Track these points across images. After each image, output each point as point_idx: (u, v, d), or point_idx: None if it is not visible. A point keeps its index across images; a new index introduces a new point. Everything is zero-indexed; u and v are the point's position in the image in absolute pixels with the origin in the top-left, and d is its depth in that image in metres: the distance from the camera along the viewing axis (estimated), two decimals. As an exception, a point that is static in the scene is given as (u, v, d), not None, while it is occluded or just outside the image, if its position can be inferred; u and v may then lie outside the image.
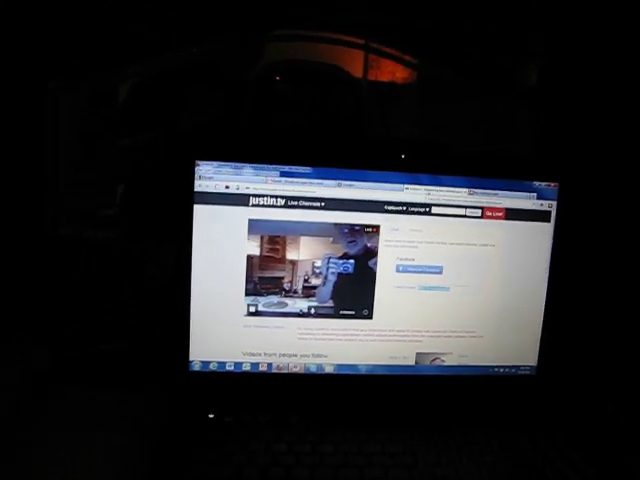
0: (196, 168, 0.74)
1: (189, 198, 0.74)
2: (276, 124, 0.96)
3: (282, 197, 0.76)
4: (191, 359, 0.77)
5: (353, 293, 0.78)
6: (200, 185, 0.74)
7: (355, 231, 0.77)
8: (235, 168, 0.75)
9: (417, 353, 0.81)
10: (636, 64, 0.88)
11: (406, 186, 0.78)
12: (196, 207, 0.75)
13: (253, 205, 0.75)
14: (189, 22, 0.95)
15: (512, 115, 1.04)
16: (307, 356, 0.79)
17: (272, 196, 0.75)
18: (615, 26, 0.89)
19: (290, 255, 0.77)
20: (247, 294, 0.77)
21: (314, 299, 0.78)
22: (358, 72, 1.10)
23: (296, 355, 0.79)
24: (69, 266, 0.96)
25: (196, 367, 0.78)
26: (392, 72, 1.13)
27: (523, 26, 1.00)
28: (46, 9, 0.88)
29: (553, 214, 0.81)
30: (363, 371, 0.80)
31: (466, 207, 0.79)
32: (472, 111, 1.07)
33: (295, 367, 0.79)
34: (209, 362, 0.78)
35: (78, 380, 0.83)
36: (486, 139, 1.08)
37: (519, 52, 1.04)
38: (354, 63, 1.09)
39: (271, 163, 0.75)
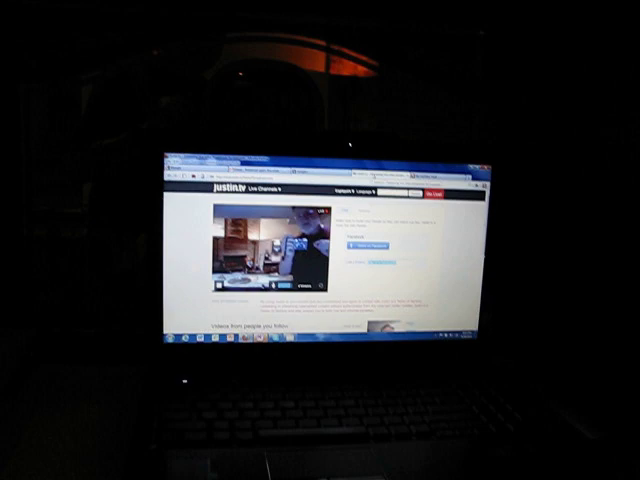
0: (165, 159, 0.85)
1: (159, 186, 0.85)
2: (236, 119, 1.07)
3: (243, 184, 0.87)
4: (165, 332, 0.89)
5: (309, 268, 0.90)
6: (169, 175, 0.85)
7: (309, 213, 0.89)
8: (200, 159, 0.86)
9: (369, 321, 0.93)
10: (568, 57, 1.01)
11: (354, 171, 0.89)
12: (166, 194, 0.86)
13: (217, 192, 0.87)
14: (148, 27, 1.05)
15: (457, 107, 1.15)
16: (270, 326, 0.91)
17: (234, 183, 0.87)
18: (545, 17, 1.01)
19: (252, 236, 0.88)
20: (214, 272, 0.88)
21: (275, 275, 0.89)
22: (320, 67, 1.17)
23: (260, 326, 0.91)
24: (49, 260, 1.07)
25: (169, 339, 0.89)
26: (354, 66, 1.21)
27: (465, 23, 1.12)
28: (14, 15, 0.98)
29: (487, 193, 0.93)
30: (321, 339, 0.92)
31: (409, 189, 0.91)
32: (425, 106, 1.18)
33: (259, 337, 0.91)
34: (181, 335, 0.89)
35: (63, 360, 0.95)
36: (437, 132, 1.19)
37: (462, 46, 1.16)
38: (316, 58, 1.16)
39: (232, 154, 0.86)
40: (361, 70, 1.19)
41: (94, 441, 0.78)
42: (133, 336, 0.94)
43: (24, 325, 0.98)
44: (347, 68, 1.19)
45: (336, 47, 1.14)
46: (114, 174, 1.10)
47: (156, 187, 0.86)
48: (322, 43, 1.14)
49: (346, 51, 1.14)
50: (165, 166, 0.85)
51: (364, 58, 1.15)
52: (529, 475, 0.72)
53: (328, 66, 1.18)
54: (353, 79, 1.18)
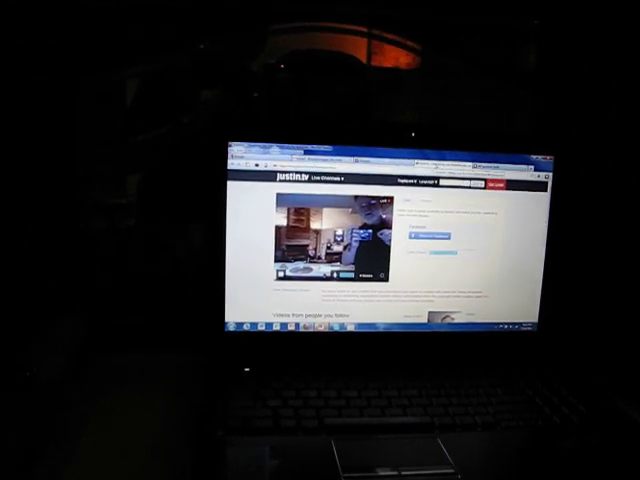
0: (229, 148, 0.87)
1: (223, 175, 0.87)
2: (289, 110, 1.08)
3: (306, 173, 0.88)
4: (226, 320, 0.90)
5: (371, 258, 0.91)
6: (232, 163, 0.87)
7: (371, 203, 0.90)
8: (263, 148, 0.87)
9: (429, 312, 0.94)
10: (626, 47, 1.00)
11: (416, 161, 0.90)
12: (229, 183, 0.87)
13: (280, 180, 0.88)
14: (191, 22, 1.07)
15: (511, 98, 1.15)
16: (331, 316, 0.92)
17: (297, 172, 0.88)
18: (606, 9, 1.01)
19: (314, 225, 0.90)
20: (276, 260, 0.89)
21: (337, 264, 0.91)
22: (362, 58, 1.18)
23: (321, 315, 0.92)
24: (106, 251, 1.09)
25: (231, 327, 0.91)
26: (396, 57, 1.21)
27: (518, 13, 1.12)
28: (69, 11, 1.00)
29: (549, 184, 0.94)
30: (381, 328, 0.93)
31: (470, 179, 0.92)
32: (474, 94, 1.18)
33: (320, 326, 0.92)
34: (243, 323, 0.91)
35: (123, 349, 0.97)
36: (486, 122, 1.19)
37: (516, 36, 1.16)
38: (357, 50, 1.17)
39: (295, 143, 0.88)
40: (403, 62, 1.20)
41: (160, 428, 0.80)
42: (193, 324, 0.95)
43: (84, 315, 1.00)
44: (388, 59, 1.20)
45: (379, 33, 1.14)
46: (160, 165, 1.12)
47: (220, 175, 0.87)
48: (364, 30, 1.15)
49: (390, 36, 1.15)
50: (229, 155, 0.87)
51: (410, 43, 1.16)
52: (593, 468, 0.73)
53: (369, 58, 1.18)
54: (395, 71, 1.19)
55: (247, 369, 0.87)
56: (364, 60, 1.16)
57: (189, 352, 0.93)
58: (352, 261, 0.91)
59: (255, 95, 1.10)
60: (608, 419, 0.82)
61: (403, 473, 0.68)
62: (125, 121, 1.13)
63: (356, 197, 0.90)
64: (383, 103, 1.16)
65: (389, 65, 1.19)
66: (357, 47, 1.16)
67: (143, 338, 0.98)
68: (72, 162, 1.05)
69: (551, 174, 0.94)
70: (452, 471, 0.68)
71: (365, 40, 1.17)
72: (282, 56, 1.10)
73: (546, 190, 0.94)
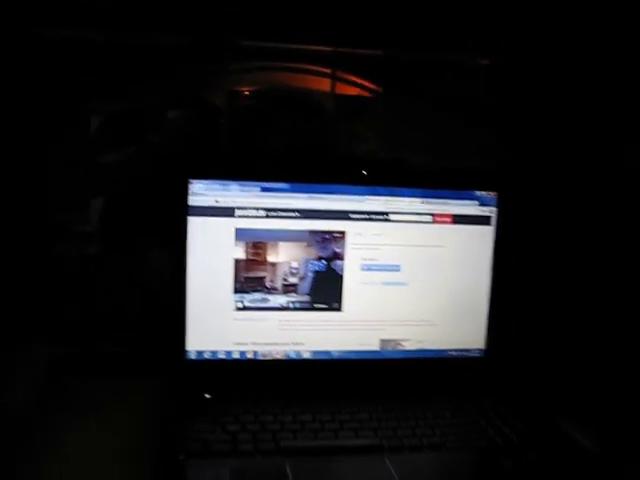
0: (190, 185, 0.93)
1: (184, 211, 0.93)
2: (250, 142, 1.14)
3: (263, 209, 0.94)
4: (188, 349, 0.96)
5: (325, 289, 0.97)
6: (193, 200, 0.93)
7: (325, 237, 0.96)
8: (223, 185, 0.93)
9: (381, 340, 1.00)
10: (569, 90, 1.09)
11: (367, 197, 0.97)
12: (190, 219, 0.93)
13: (239, 216, 0.94)
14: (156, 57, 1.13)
15: (463, 132, 1.23)
16: (287, 344, 0.98)
17: (255, 208, 0.94)
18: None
19: (271, 258, 0.95)
20: (235, 292, 0.95)
21: (292, 295, 0.96)
22: (326, 86, 1.25)
23: (278, 344, 0.97)
24: (71, 277, 1.13)
25: (192, 356, 0.96)
26: (359, 90, 1.29)
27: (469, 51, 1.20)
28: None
29: (493, 218, 1.01)
30: (335, 356, 0.99)
31: (419, 214, 0.98)
32: (431, 128, 1.25)
33: (277, 354, 0.98)
34: (203, 351, 0.96)
35: (86, 374, 1.01)
36: (441, 152, 1.26)
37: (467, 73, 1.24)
38: (322, 81, 1.23)
39: (253, 180, 0.94)
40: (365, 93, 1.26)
41: (121, 451, 0.84)
42: (156, 351, 1.00)
43: (48, 341, 1.04)
44: (352, 88, 1.26)
45: (341, 74, 1.21)
46: (123, 189, 1.16)
47: (181, 212, 0.93)
48: (327, 70, 1.21)
49: (350, 77, 1.21)
50: (190, 192, 0.93)
51: (368, 84, 1.22)
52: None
53: (334, 86, 1.24)
54: (358, 98, 1.24)
55: (208, 395, 0.93)
56: (328, 88, 1.22)
57: (153, 379, 0.98)
58: (307, 292, 0.97)
59: (219, 122, 1.15)
60: (546, 437, 0.89)
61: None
62: (92, 143, 1.17)
63: (311, 231, 0.96)
64: (346, 130, 1.22)
65: (353, 93, 1.24)
66: (321, 82, 1.22)
67: (109, 364, 1.02)
68: (41, 188, 1.10)
69: (495, 209, 1.01)
70: (398, 490, 0.75)
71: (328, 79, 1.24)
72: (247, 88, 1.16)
73: (490, 224, 1.01)
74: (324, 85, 1.22)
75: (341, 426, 0.87)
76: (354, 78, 1.21)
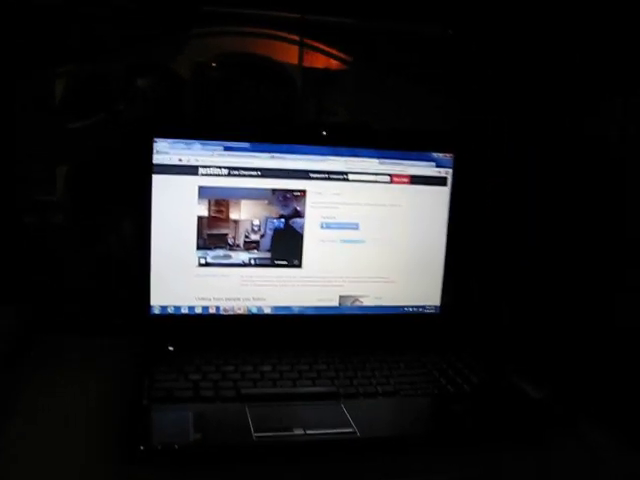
0: (154, 144, 0.95)
1: (149, 169, 0.95)
2: (215, 110, 1.17)
3: (226, 167, 0.97)
4: (152, 304, 0.99)
5: (286, 246, 1.01)
6: (157, 158, 0.95)
7: (286, 195, 1.00)
8: (187, 144, 0.96)
9: (340, 296, 1.04)
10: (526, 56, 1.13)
11: (328, 157, 1.00)
12: (155, 177, 0.96)
13: (202, 174, 0.97)
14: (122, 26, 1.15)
15: (426, 100, 1.26)
16: (249, 299, 1.02)
17: (217, 167, 0.97)
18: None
19: (233, 215, 0.99)
20: (198, 248, 0.98)
21: (254, 252, 1.00)
22: (293, 59, 1.26)
23: (239, 299, 1.01)
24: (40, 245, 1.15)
25: (156, 311, 0.99)
26: (327, 59, 1.31)
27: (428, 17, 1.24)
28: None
29: (449, 179, 1.05)
30: (296, 311, 1.03)
31: (377, 174, 1.02)
32: (397, 98, 1.29)
33: (239, 309, 1.01)
34: (167, 306, 0.99)
35: (56, 333, 1.04)
36: (407, 122, 1.29)
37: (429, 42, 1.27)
38: (289, 50, 1.24)
39: (216, 140, 0.97)
40: (334, 63, 1.27)
41: (90, 402, 0.87)
42: (120, 309, 1.04)
43: (27, 301, 1.07)
44: (320, 61, 1.27)
45: (309, 41, 1.23)
46: (90, 156, 1.17)
47: (146, 170, 0.96)
48: (295, 37, 1.23)
49: (319, 45, 1.24)
50: (154, 150, 0.95)
51: (336, 52, 1.25)
52: (479, 428, 0.84)
53: (301, 58, 1.26)
54: (326, 71, 1.27)
55: (171, 348, 0.96)
56: (296, 62, 1.25)
57: (119, 335, 1.01)
58: (268, 249, 1.00)
59: (184, 90, 1.18)
60: (496, 387, 0.94)
61: (308, 432, 0.78)
62: (58, 111, 1.17)
63: (272, 190, 0.99)
64: (314, 103, 1.25)
65: (320, 66, 1.27)
66: (288, 51, 1.24)
67: (78, 323, 1.05)
68: (8, 156, 1.12)
69: (451, 170, 1.05)
70: (351, 430, 0.79)
71: (296, 47, 1.26)
72: (213, 56, 1.18)
73: (446, 185, 1.05)
74: (292, 53, 1.24)
75: (300, 375, 0.91)
76: (322, 46, 1.24)
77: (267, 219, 1.00)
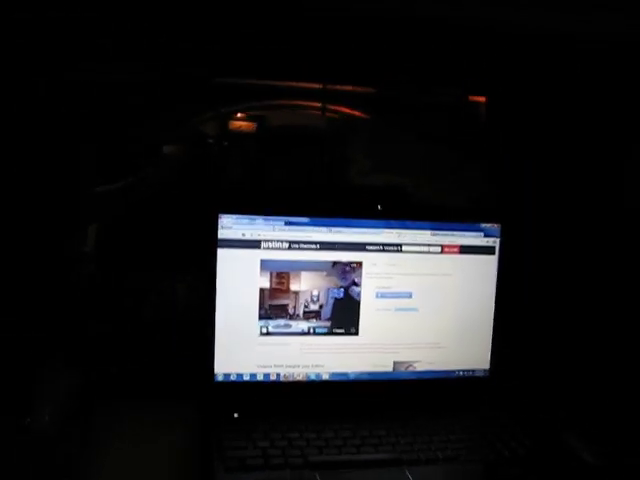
0: (219, 220, 1.02)
1: (214, 243, 1.02)
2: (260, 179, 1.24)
3: (286, 241, 1.04)
4: (215, 372, 1.04)
5: (343, 315, 1.07)
6: (222, 233, 1.02)
7: (343, 267, 1.06)
8: (250, 219, 1.02)
9: (394, 362, 1.09)
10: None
11: (382, 230, 1.06)
12: (219, 251, 1.02)
13: (264, 248, 1.03)
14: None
15: (457, 165, 1.33)
16: (308, 367, 1.07)
17: (278, 241, 1.03)
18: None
19: (293, 287, 1.05)
20: (260, 318, 1.04)
21: (313, 321, 1.06)
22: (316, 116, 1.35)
23: (299, 366, 1.07)
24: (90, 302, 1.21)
25: (219, 378, 1.04)
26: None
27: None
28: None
29: (497, 248, 1.11)
30: (352, 377, 1.08)
31: (429, 245, 1.08)
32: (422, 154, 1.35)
33: (299, 376, 1.07)
34: (230, 374, 1.05)
35: (118, 396, 1.09)
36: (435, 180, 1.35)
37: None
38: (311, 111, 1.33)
39: (278, 215, 1.03)
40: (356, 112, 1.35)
41: (160, 469, 0.93)
42: (182, 374, 1.09)
43: (77, 363, 1.12)
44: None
45: (330, 106, 1.31)
46: (116, 217, 1.25)
47: (211, 244, 1.02)
48: (317, 104, 1.30)
49: (338, 109, 1.31)
50: (219, 225, 1.02)
51: (358, 114, 1.32)
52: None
53: (324, 109, 1.33)
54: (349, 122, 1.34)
55: (236, 415, 1.01)
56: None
57: (182, 401, 1.06)
58: (327, 317, 1.06)
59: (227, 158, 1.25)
60: (551, 450, 0.98)
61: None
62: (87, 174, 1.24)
63: (330, 262, 1.05)
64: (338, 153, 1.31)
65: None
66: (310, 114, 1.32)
67: (132, 387, 1.10)
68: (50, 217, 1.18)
69: (498, 239, 1.11)
70: (419, 498, 0.84)
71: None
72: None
73: (494, 253, 1.11)
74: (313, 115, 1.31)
75: (362, 442, 0.96)
76: (343, 109, 1.31)
77: (326, 289, 1.06)
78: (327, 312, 1.06)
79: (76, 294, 1.19)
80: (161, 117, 1.23)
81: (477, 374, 1.13)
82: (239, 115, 1.28)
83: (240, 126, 1.27)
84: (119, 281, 1.22)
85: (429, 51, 1.13)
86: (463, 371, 1.13)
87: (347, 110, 1.31)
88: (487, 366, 1.13)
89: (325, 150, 1.28)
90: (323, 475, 0.87)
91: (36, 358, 1.08)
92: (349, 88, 1.31)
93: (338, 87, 1.29)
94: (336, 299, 1.06)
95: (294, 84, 1.27)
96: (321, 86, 1.28)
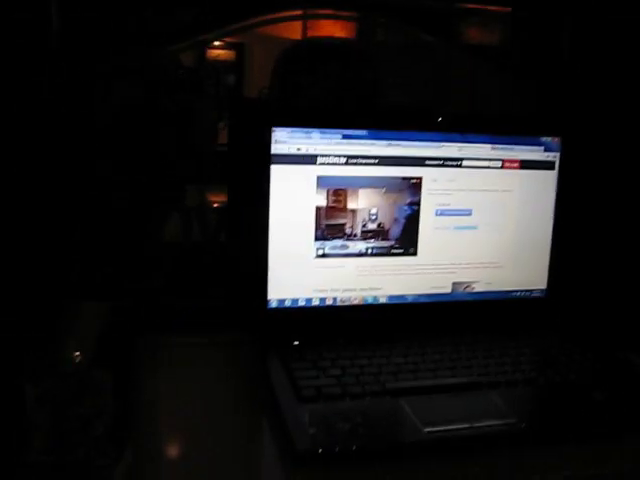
0: (272, 133, 0.94)
1: (267, 159, 0.95)
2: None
3: (344, 156, 0.97)
4: (269, 298, 0.98)
5: (402, 235, 1.01)
6: (276, 148, 0.95)
7: (402, 183, 1.00)
8: (305, 133, 0.95)
9: (453, 283, 1.05)
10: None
11: (442, 144, 1.01)
12: (273, 167, 0.95)
13: (320, 164, 0.96)
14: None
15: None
16: (365, 290, 1.02)
17: (335, 155, 0.97)
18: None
19: (351, 205, 0.98)
20: (316, 239, 0.98)
21: (371, 241, 1.00)
22: (297, 34, 1.28)
23: (356, 289, 1.01)
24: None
25: (273, 304, 0.98)
26: (331, 32, 1.31)
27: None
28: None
29: (557, 163, 1.07)
30: (410, 300, 1.04)
31: (490, 160, 1.03)
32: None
33: (355, 300, 1.02)
34: (284, 300, 0.99)
35: (166, 331, 1.03)
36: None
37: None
38: (292, 26, 1.28)
39: (335, 128, 0.96)
40: (338, 36, 1.29)
41: (230, 401, 0.88)
42: (233, 303, 1.03)
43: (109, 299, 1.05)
44: (324, 34, 1.29)
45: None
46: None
47: (264, 160, 0.95)
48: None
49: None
50: (273, 139, 0.94)
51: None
52: (621, 415, 0.86)
53: (305, 34, 1.27)
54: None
55: (296, 342, 0.96)
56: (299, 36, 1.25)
57: (235, 331, 1.01)
58: (385, 237, 1.01)
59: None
60: (621, 371, 0.96)
61: (475, 425, 0.79)
62: None
63: (389, 178, 0.99)
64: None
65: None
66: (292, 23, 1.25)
67: (184, 320, 1.04)
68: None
69: (558, 154, 1.06)
70: (515, 421, 0.80)
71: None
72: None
73: (554, 169, 1.07)
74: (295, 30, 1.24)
75: (436, 366, 0.92)
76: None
77: (385, 207, 1.00)
78: (386, 231, 1.01)
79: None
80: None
81: (535, 294, 1.10)
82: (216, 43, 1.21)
83: (218, 55, 1.20)
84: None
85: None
86: (521, 291, 1.09)
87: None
88: (545, 286, 1.10)
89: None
90: (409, 402, 0.83)
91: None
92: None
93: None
94: (395, 218, 1.00)
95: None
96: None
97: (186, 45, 1.20)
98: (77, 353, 0.86)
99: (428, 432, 0.77)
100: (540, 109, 1.22)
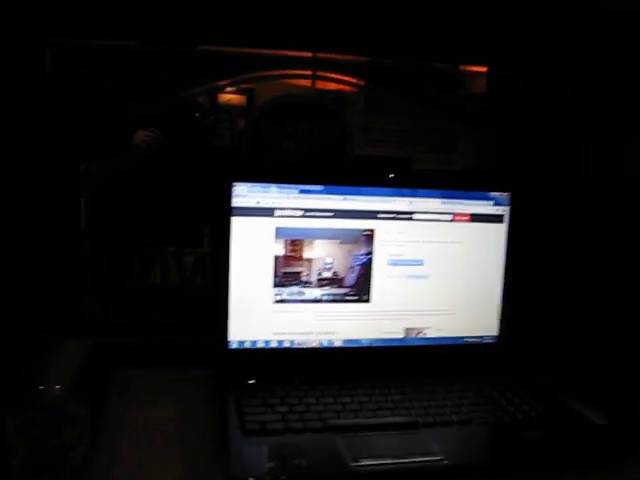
0: (233, 188, 1.04)
1: (228, 212, 1.04)
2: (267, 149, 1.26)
3: (300, 209, 1.06)
4: (229, 339, 1.07)
5: (355, 283, 1.09)
6: (237, 201, 1.04)
7: (356, 235, 1.08)
8: (264, 187, 1.04)
9: (405, 328, 1.13)
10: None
11: (394, 198, 1.09)
12: (233, 219, 1.04)
13: (278, 216, 1.05)
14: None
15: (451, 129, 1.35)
16: (321, 334, 1.10)
17: (293, 209, 1.06)
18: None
19: (307, 254, 1.07)
20: (274, 286, 1.07)
21: (326, 288, 1.08)
22: (306, 82, 1.37)
23: (312, 333, 1.10)
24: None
25: (234, 345, 1.07)
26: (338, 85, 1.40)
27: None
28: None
29: (506, 216, 1.14)
30: (364, 344, 1.12)
31: (440, 213, 1.11)
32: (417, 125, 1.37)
33: (312, 343, 1.10)
34: (244, 341, 1.07)
35: (131, 366, 1.11)
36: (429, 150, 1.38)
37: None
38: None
39: (292, 183, 1.05)
40: (346, 86, 1.37)
41: (179, 434, 0.95)
42: (194, 343, 1.11)
43: (89, 333, 1.13)
44: (332, 84, 1.37)
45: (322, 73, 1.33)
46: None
47: (225, 212, 1.04)
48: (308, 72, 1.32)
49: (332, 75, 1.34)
50: (233, 194, 1.04)
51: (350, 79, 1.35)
52: (555, 453, 0.92)
53: (314, 82, 1.35)
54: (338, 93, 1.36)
55: (251, 381, 1.04)
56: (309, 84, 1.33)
57: (202, 367, 1.09)
58: (339, 285, 1.09)
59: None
60: (560, 414, 1.02)
61: (401, 461, 0.86)
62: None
63: (343, 230, 1.08)
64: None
65: (332, 88, 1.36)
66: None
67: (145, 356, 1.13)
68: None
69: (508, 208, 1.14)
70: (440, 458, 0.87)
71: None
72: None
73: (503, 222, 1.14)
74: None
75: (378, 406, 0.99)
76: (335, 75, 1.33)
77: (339, 257, 1.08)
78: (340, 279, 1.09)
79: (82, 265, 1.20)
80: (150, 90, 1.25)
81: (485, 340, 1.17)
82: (228, 88, 1.29)
83: (230, 99, 1.29)
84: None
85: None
86: (472, 337, 1.16)
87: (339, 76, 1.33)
88: (495, 333, 1.17)
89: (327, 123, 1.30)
90: (344, 438, 0.91)
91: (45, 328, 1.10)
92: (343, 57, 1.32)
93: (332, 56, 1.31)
94: (350, 266, 1.09)
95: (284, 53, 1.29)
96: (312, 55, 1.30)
97: (200, 90, 1.30)
98: (57, 386, 0.96)
99: (355, 466, 0.84)
100: (494, 165, 1.29)
